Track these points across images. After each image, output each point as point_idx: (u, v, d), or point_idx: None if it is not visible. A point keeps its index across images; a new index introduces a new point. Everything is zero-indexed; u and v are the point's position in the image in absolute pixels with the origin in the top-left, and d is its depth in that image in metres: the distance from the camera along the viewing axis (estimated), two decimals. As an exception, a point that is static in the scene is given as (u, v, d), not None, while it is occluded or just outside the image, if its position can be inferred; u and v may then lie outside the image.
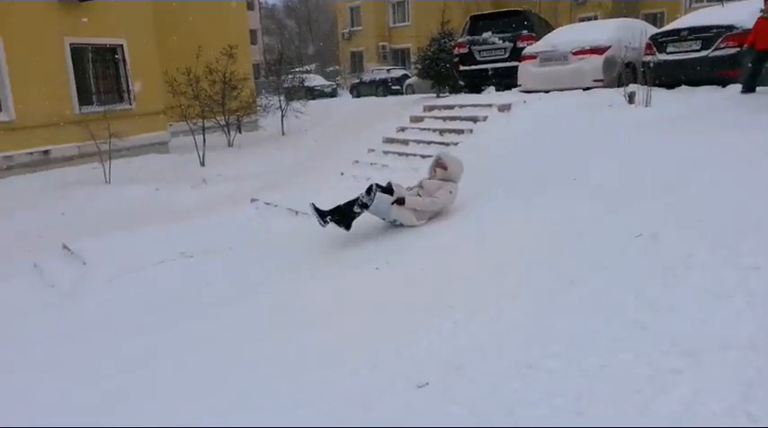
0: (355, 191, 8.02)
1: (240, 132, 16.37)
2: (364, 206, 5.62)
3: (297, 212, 7.12)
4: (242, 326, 4.21)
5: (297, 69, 26.04)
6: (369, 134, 11.15)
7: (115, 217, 9.11)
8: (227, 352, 3.81)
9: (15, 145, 11.44)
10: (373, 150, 9.49)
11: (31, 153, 11.79)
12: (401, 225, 5.72)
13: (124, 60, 13.26)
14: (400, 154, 8.79)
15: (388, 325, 3.73)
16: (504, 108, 8.68)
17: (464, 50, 12.92)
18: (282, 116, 17.12)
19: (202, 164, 13.02)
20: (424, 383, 2.96)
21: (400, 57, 37.98)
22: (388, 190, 5.72)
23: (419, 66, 15.56)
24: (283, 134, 16.85)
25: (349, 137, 13.34)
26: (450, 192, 5.86)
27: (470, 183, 6.06)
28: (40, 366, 4.00)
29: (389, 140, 9.64)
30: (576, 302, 3.41)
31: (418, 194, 5.80)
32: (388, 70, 29.49)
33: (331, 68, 42.45)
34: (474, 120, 8.75)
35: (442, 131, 8.97)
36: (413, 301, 3.99)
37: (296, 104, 17.46)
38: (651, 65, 8.55)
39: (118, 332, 4.43)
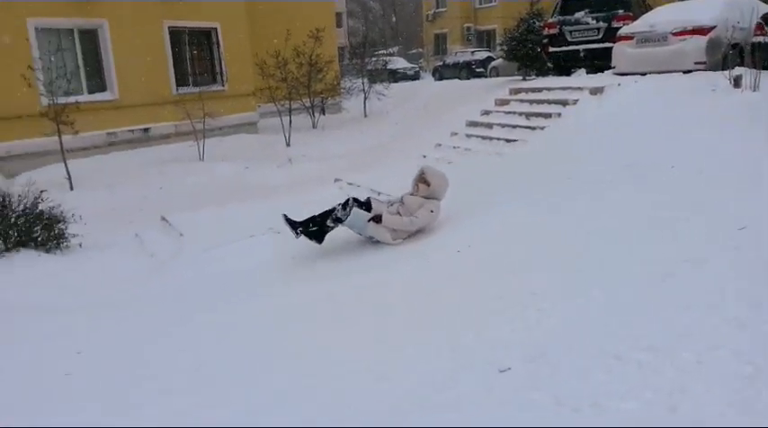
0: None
1: (324, 114, 16.71)
2: (338, 220, 5.47)
3: (379, 193, 7.20)
4: (325, 304, 4.35)
5: (380, 52, 26.13)
6: (451, 117, 11.06)
7: (208, 192, 9.61)
8: (312, 327, 3.95)
9: (118, 122, 12.25)
10: (456, 133, 9.41)
11: (132, 130, 12.58)
12: (377, 241, 5.53)
13: (218, 43, 13.82)
14: (484, 137, 8.67)
15: (470, 309, 3.72)
16: (597, 91, 8.33)
17: (554, 31, 12.45)
18: (365, 98, 17.29)
19: (288, 144, 13.43)
20: (506, 368, 2.94)
21: (485, 39, 37.20)
22: (366, 205, 5.60)
23: (505, 48, 15.18)
24: (366, 116, 17.03)
25: (431, 120, 13.29)
26: (432, 211, 5.55)
27: (561, 167, 5.88)
28: (156, 330, 4.31)
29: (473, 124, 9.52)
30: (670, 296, 3.26)
31: (398, 212, 5.54)
32: (473, 52, 28.98)
33: (414, 51, 42.26)
34: (563, 103, 8.46)
35: (528, 115, 8.75)
36: (494, 286, 3.95)
37: (378, 87, 17.57)
38: (761, 46, 7.89)
39: (213, 298, 4.69)
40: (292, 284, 4.93)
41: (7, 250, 6.26)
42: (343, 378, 3.11)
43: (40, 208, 6.55)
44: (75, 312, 4.69)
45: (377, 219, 5.40)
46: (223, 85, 13.97)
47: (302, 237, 5.52)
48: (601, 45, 11.52)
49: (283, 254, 5.63)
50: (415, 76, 29.50)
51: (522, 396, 2.66)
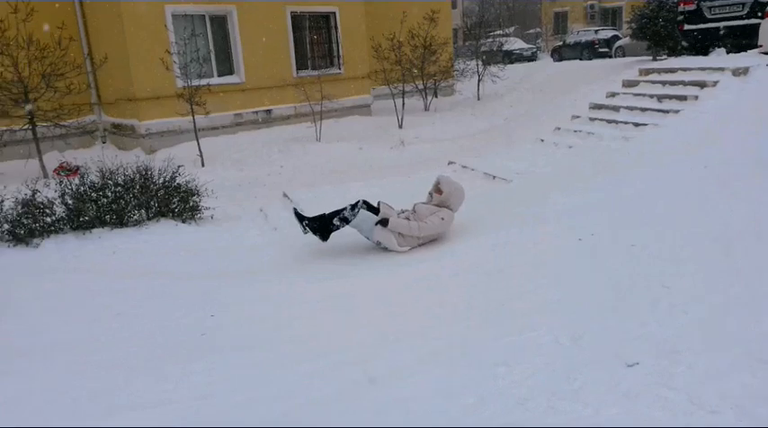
0: (550, 157, 7.76)
1: (436, 96, 16.65)
2: (345, 220, 5.39)
3: (494, 177, 7.08)
4: (423, 283, 4.37)
5: (495, 33, 25.48)
6: (572, 100, 10.59)
7: (324, 171, 9.96)
8: (415, 308, 3.99)
9: (244, 104, 12.97)
10: (578, 117, 8.99)
11: (257, 112, 13.27)
12: (385, 248, 5.40)
13: (336, 27, 14.15)
14: (609, 121, 8.21)
15: (595, 300, 3.57)
16: (741, 72, 7.58)
17: (691, 7, 11.45)
18: (479, 81, 17.00)
19: (400, 126, 13.54)
20: (633, 362, 2.80)
21: (610, 17, 35.03)
22: (375, 209, 5.48)
23: (633, 26, 14.22)
24: (479, 99, 16.75)
25: (549, 103, 12.80)
26: (443, 219, 5.38)
27: (698, 153, 5.44)
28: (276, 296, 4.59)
29: (597, 106, 9.03)
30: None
31: (407, 218, 5.39)
32: (596, 31, 27.40)
33: (531, 31, 40.70)
34: (701, 85, 7.79)
35: (660, 97, 8.15)
36: (623, 279, 3.75)
37: (493, 69, 17.19)
38: None
39: (333, 272, 4.89)
40: (400, 261, 5.00)
41: (149, 219, 6.88)
42: (466, 361, 3.12)
43: (177, 181, 7.12)
44: (209, 278, 5.07)
45: (384, 223, 5.33)
46: (340, 69, 14.32)
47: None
48: (745, 22, 10.43)
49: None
50: (532, 57, 28.46)
51: (653, 392, 2.53)
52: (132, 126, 11.72)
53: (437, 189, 5.57)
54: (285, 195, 7.41)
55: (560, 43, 27.90)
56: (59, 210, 6.53)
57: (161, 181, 7.03)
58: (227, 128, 12.63)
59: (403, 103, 13.81)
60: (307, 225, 5.47)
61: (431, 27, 14.18)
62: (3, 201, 6.47)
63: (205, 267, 5.52)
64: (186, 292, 4.80)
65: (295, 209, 5.65)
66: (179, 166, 7.33)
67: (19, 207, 6.41)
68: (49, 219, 6.44)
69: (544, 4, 39.69)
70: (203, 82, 10.76)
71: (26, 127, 10.03)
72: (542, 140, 8.60)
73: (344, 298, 4.35)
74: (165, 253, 5.84)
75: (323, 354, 3.36)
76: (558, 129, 8.89)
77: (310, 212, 6.58)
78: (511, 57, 24.66)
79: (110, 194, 6.64)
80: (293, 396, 2.91)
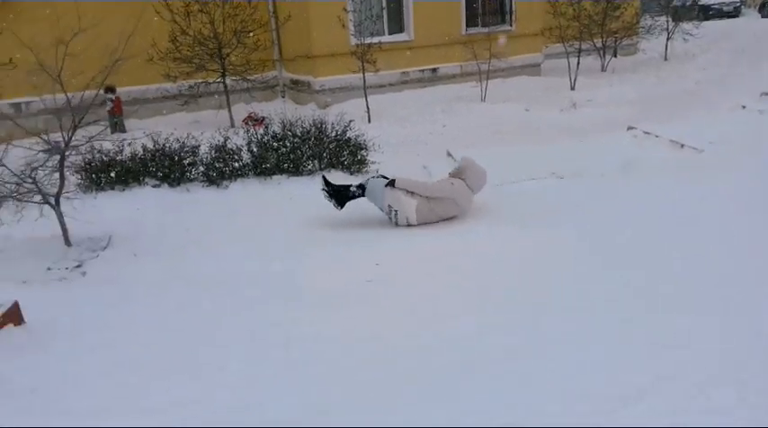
0: (754, 126, 6.78)
1: (616, 56, 15.33)
2: (361, 187, 5.39)
3: (682, 145, 6.37)
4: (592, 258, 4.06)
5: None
6: (786, 61, 9.09)
7: (489, 131, 9.74)
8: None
9: (411, 62, 13.03)
10: (793, 80, 7.71)
11: (423, 70, 13.28)
12: (397, 222, 5.21)
13: (510, -20, 13.52)
14: (836, 86, 6.93)
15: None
16: None
17: None
18: (668, 39, 15.29)
19: (572, 87, 12.73)
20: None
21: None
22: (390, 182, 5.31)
23: None
24: (666, 59, 15.12)
25: (753, 65, 11.17)
26: (452, 184, 5.24)
27: None
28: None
29: (819, 69, 7.66)
30: None
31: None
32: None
33: (736, -18, 35.50)
34: None
35: None
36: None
37: (686, 26, 15.33)
38: None
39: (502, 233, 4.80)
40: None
41: (321, 169, 7.28)
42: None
43: (347, 136, 7.42)
44: (373, 228, 5.26)
45: (392, 183, 5.23)
46: (511, 25, 13.72)
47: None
48: None
49: (567, 200, 5.41)
50: (734, 13, 24.85)
51: None
52: (308, 82, 12.39)
53: (456, 172, 5.50)
54: (449, 154, 7.37)
55: (773, -4, 23.97)
56: (245, 157, 7.17)
57: (333, 134, 7.37)
58: (393, 85, 12.82)
59: (578, 63, 12.91)
60: (324, 189, 5.55)
61: (616, -21, 12.98)
62: (199, 146, 7.25)
63: (369, 216, 5.72)
64: (352, 239, 5.03)
65: (324, 177, 5.74)
66: (350, 121, 7.62)
67: (213, 152, 7.14)
68: (236, 164, 7.11)
69: (756, -50, 34.22)
70: (375, 40, 10.96)
71: (218, 80, 11.07)
72: (744, 107, 7.53)
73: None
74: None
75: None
76: (766, 94, 7.70)
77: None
78: (707, 13, 21.79)
79: (288, 145, 7.12)
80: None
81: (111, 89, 10.31)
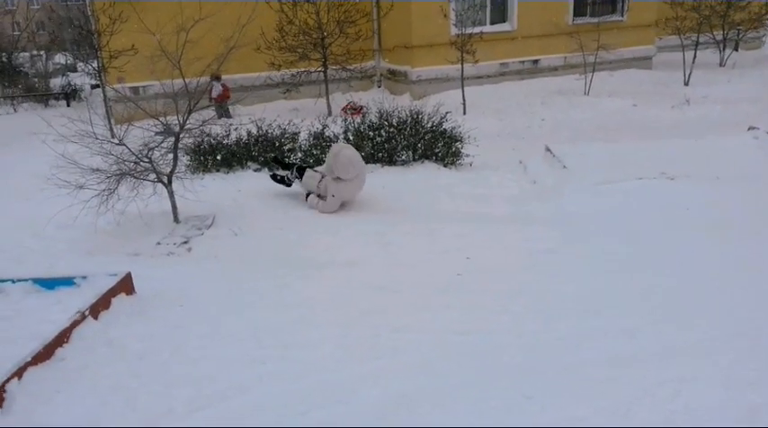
0: None
1: (737, 50, 14.12)
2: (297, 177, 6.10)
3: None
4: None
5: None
6: None
7: (591, 127, 9.31)
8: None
9: (511, 53, 12.70)
10: None
11: (523, 62, 12.91)
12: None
13: (625, -32, 12.79)
14: None
15: None
16: None
17: None
18: (802, 31, 13.88)
19: (686, 83, 11.89)
20: None
21: None
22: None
23: None
24: (797, 54, 13.75)
25: None
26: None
27: None
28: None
29: None
30: None
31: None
32: None
33: None
34: None
35: None
36: None
37: (825, 16, 13.83)
38: None
39: (603, 238, 4.56)
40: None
41: (414, 160, 7.28)
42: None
43: (443, 127, 7.35)
44: (462, 222, 5.19)
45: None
46: (622, 15, 13.00)
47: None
48: None
49: (673, 204, 5.05)
50: None
51: None
52: (405, 72, 12.41)
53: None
54: (548, 149, 7.11)
55: None
56: (342, 145, 7.31)
57: (429, 125, 7.34)
58: (491, 77, 12.56)
59: (694, 56, 12.04)
60: (272, 176, 6.32)
61: (745, -34, 11.92)
62: (299, 133, 7.47)
63: (461, 210, 5.66)
64: (443, 232, 4.99)
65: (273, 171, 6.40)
66: (447, 113, 7.54)
67: (311, 139, 7.34)
68: (333, 151, 7.26)
69: None
70: (476, 30, 10.77)
71: (319, 69, 11.34)
72: None
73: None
74: (427, 193, 6.13)
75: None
76: None
77: (577, 168, 6.25)
78: None
79: (384, 134, 7.17)
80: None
81: (217, 77, 10.62)
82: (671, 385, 2.43)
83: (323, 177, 5.87)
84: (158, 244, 5.03)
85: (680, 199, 5.06)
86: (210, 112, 5.79)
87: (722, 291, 3.39)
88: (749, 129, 7.08)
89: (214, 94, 10.84)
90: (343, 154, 5.69)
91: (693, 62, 11.98)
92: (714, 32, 12.83)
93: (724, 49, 13.42)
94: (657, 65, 13.53)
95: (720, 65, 13.42)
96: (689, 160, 6.24)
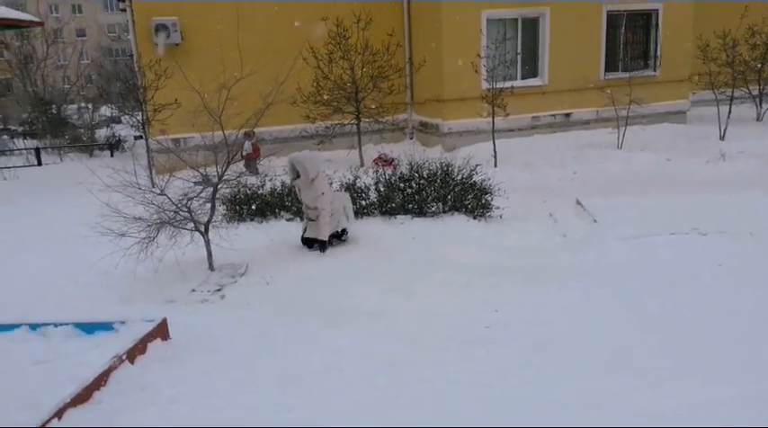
0: None
1: (774, 104, 13.99)
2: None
3: None
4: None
5: None
6: None
7: (623, 181, 9.27)
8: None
9: (543, 107, 12.83)
10: None
11: (554, 115, 13.02)
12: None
13: (657, 25, 12.95)
14: None
15: None
16: None
17: None
18: (840, 86, 13.71)
19: (722, 137, 11.77)
20: None
21: None
22: None
23: None
24: None
25: None
26: (323, 194, 6.12)
27: None
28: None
29: None
30: None
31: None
32: None
33: None
34: None
35: None
36: None
37: None
38: None
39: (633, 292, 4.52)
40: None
41: (444, 212, 7.36)
42: None
43: (473, 179, 7.45)
44: (494, 275, 5.20)
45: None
46: (655, 71, 13.09)
47: None
48: None
49: (705, 260, 4.97)
50: None
51: None
52: (437, 125, 12.66)
53: (296, 173, 6.08)
54: (578, 202, 7.12)
55: None
56: (372, 196, 7.46)
57: (459, 177, 7.45)
58: (522, 130, 12.69)
59: (729, 111, 11.97)
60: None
61: (781, 22, 11.98)
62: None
63: (490, 262, 5.67)
64: (472, 284, 5.01)
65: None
66: (477, 165, 7.66)
67: (342, 189, 7.52)
68: (363, 202, 7.42)
69: None
70: (507, 84, 10.99)
71: (353, 121, 11.68)
72: None
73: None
74: (456, 244, 6.18)
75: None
76: None
77: (607, 222, 6.23)
78: None
79: (414, 185, 7.31)
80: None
81: (248, 135, 10.49)
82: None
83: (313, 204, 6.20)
84: (193, 291, 5.18)
85: (712, 255, 4.98)
86: (242, 168, 6.04)
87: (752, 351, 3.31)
88: (786, 184, 6.98)
89: (245, 152, 11.05)
90: (294, 156, 6.34)
91: (729, 117, 11.90)
92: (750, 87, 12.78)
93: (761, 104, 13.32)
94: (692, 119, 13.47)
95: (757, 119, 13.29)
96: (722, 216, 6.17)
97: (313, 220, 6.20)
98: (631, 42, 13.12)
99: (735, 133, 11.77)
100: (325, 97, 11.35)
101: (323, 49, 11.25)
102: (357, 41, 11.04)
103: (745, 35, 12.18)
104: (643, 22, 13.08)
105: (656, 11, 12.81)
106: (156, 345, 3.77)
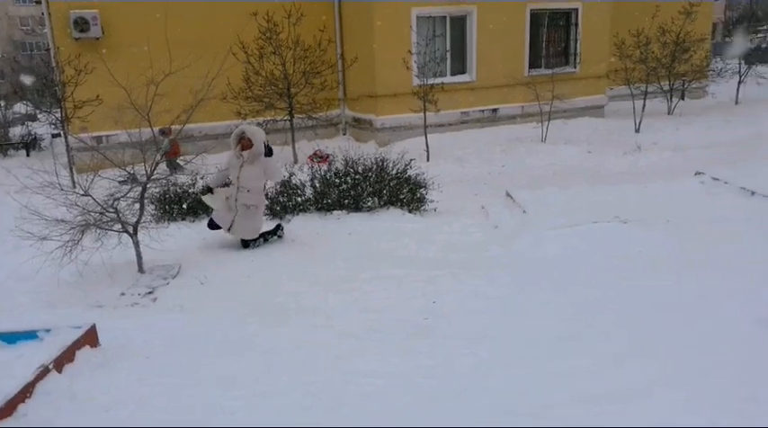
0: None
1: (683, 99, 15.00)
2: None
3: (753, 193, 6.15)
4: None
5: (765, 27, 21.97)
6: None
7: (549, 173, 9.67)
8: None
9: (472, 103, 13.19)
10: None
11: (483, 110, 13.40)
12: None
13: (576, 24, 13.56)
14: None
15: None
16: None
17: None
18: (739, 82, 14.87)
19: (637, 130, 12.51)
20: None
21: None
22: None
23: None
24: (737, 103, 14.68)
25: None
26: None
27: None
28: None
29: None
30: None
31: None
32: None
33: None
34: None
35: None
36: None
37: (760, 69, 14.90)
38: None
39: (563, 280, 4.73)
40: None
41: (380, 206, 7.42)
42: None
43: (408, 174, 7.55)
44: (432, 268, 5.31)
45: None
46: (575, 67, 13.72)
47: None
48: None
49: (627, 247, 5.28)
50: (812, 56, 23.93)
51: None
52: (370, 120, 12.73)
53: (244, 143, 5.92)
54: (508, 195, 7.36)
55: None
56: (308, 192, 7.42)
57: (394, 172, 7.53)
58: (453, 125, 12.97)
59: (644, 105, 12.71)
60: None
61: (686, 22, 12.81)
62: (266, 181, 7.55)
63: (426, 255, 5.78)
64: (409, 277, 5.09)
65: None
66: (411, 160, 7.77)
67: (277, 186, 7.43)
68: (299, 199, 7.36)
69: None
70: (437, 80, 11.20)
71: (285, 117, 11.54)
72: (822, 154, 7.19)
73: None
74: (392, 238, 6.25)
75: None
76: None
77: (536, 213, 6.47)
78: (783, 56, 21.07)
79: (350, 181, 7.32)
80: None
81: (165, 132, 9.37)
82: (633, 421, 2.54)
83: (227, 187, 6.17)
84: (122, 294, 4.98)
85: (633, 242, 5.29)
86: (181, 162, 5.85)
87: (678, 329, 3.56)
88: (696, 174, 7.49)
89: (163, 151, 10.55)
90: (245, 125, 6.31)
91: (643, 111, 12.64)
92: (661, 83, 13.62)
93: (671, 99, 14.23)
94: (609, 113, 14.22)
95: (669, 113, 14.20)
96: (641, 204, 6.55)
97: (248, 208, 6.02)
98: (553, 40, 13.68)
99: (649, 126, 12.52)
100: (257, 93, 11.15)
101: (253, 45, 11.04)
102: (288, 37, 10.90)
103: (657, 34, 12.95)
104: (564, 21, 13.67)
105: (576, 10, 13.41)
106: (85, 353, 3.60)
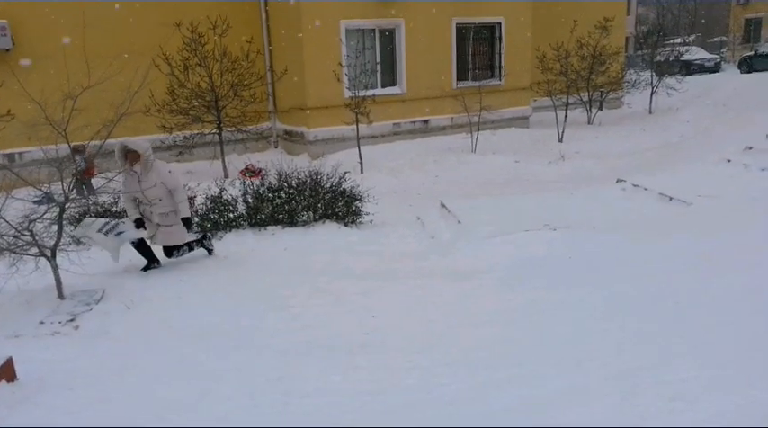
0: (739, 179, 6.98)
1: (602, 109, 15.80)
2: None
3: (671, 198, 6.53)
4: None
5: (673, 41, 23.59)
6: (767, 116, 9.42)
7: (480, 183, 9.91)
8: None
9: (403, 114, 13.32)
10: (775, 135, 7.97)
11: (414, 122, 13.57)
12: None
13: (500, 38, 14.00)
14: (816, 140, 7.17)
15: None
16: None
17: None
18: (652, 93, 15.84)
19: (560, 140, 13.04)
20: None
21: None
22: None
23: None
24: (650, 113, 15.62)
25: (735, 119, 11.55)
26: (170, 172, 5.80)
27: None
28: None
29: (799, 124, 7.95)
30: None
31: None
32: (796, 39, 24.18)
33: (716, 39, 37.04)
34: None
35: None
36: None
37: (669, 80, 15.93)
38: None
39: (500, 288, 4.80)
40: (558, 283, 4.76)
41: (315, 220, 7.33)
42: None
43: (342, 187, 7.51)
44: (368, 279, 5.27)
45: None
46: (500, 80, 14.14)
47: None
48: None
49: (559, 253, 5.47)
50: (715, 69, 25.89)
51: None
52: (302, 133, 12.60)
53: (132, 156, 5.69)
54: (443, 205, 7.47)
55: (751, 53, 24.95)
56: (240, 208, 7.22)
57: (329, 185, 7.47)
58: (385, 136, 13.05)
59: (565, 116, 13.29)
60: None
61: (602, 36, 13.53)
62: (195, 197, 7.30)
63: (364, 268, 5.75)
64: (347, 291, 5.04)
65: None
66: (345, 172, 7.73)
67: (208, 202, 7.19)
68: (231, 215, 7.15)
69: (734, 9, 35.66)
70: (369, 93, 11.24)
71: (214, 131, 11.23)
72: (729, 160, 7.74)
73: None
74: (329, 252, 6.18)
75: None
76: (750, 148, 7.95)
77: (470, 222, 6.58)
78: (690, 68, 22.67)
79: (284, 195, 7.19)
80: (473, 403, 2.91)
81: (79, 150, 8.03)
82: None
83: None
84: (41, 323, 4.63)
85: (563, 248, 5.48)
86: (103, 179, 5.51)
87: (609, 334, 3.69)
88: (617, 181, 7.88)
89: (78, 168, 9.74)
90: (122, 139, 5.97)
91: (565, 121, 13.21)
92: (581, 94, 14.29)
93: (591, 109, 14.94)
94: (534, 124, 14.76)
95: (589, 123, 14.90)
96: (568, 211, 6.82)
97: (166, 216, 5.76)
98: (479, 53, 14.05)
99: (571, 135, 13.09)
100: (183, 106, 10.79)
101: (177, 56, 10.69)
102: (214, 48, 10.63)
103: (575, 47, 13.60)
104: (488, 35, 14.08)
105: (500, 23, 13.84)
106: (1, 388, 3.31)
